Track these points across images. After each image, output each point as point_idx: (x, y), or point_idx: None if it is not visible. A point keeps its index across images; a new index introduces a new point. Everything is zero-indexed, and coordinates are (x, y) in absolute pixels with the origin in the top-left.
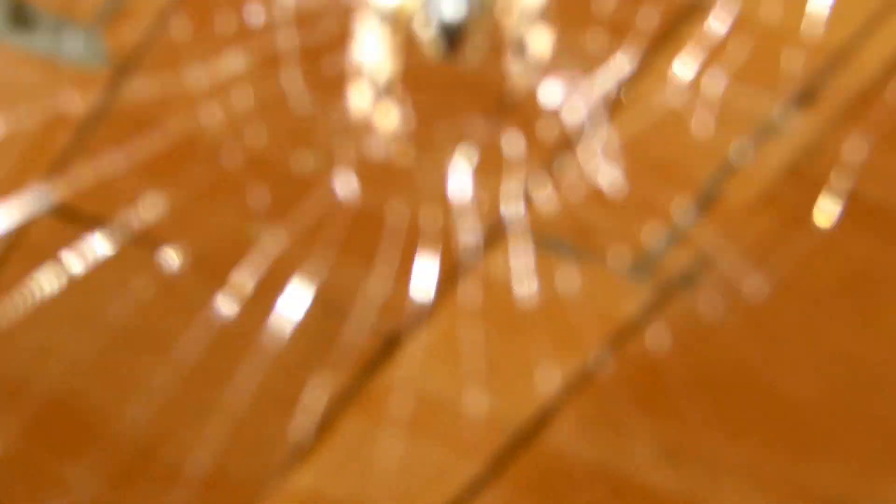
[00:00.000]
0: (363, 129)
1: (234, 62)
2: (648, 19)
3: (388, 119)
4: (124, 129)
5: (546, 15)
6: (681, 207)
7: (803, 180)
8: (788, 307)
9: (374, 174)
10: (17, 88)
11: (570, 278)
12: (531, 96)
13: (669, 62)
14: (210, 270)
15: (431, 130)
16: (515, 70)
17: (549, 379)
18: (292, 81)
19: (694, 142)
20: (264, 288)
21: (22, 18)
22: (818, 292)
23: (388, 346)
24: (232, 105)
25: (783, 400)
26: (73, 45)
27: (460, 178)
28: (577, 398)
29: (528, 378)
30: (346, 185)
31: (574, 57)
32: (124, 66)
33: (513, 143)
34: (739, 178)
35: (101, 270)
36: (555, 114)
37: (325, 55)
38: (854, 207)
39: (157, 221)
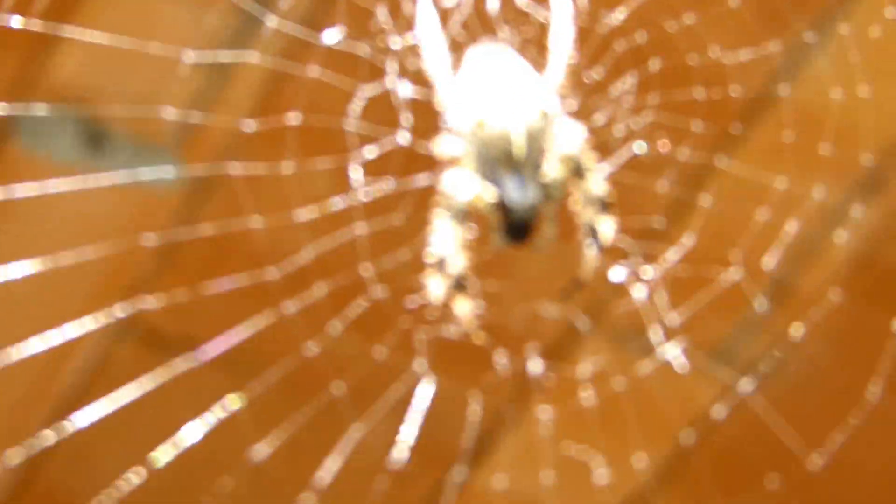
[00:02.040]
0: (440, 317)
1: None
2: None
3: (463, 308)
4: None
5: (610, 203)
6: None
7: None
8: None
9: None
10: (95, 216)
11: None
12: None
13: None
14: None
15: (506, 317)
16: (587, 254)
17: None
18: (367, 271)
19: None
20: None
21: (100, 143)
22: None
23: None
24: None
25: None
26: (149, 171)
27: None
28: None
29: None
30: (423, 372)
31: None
32: (199, 191)
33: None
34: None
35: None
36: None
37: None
38: None
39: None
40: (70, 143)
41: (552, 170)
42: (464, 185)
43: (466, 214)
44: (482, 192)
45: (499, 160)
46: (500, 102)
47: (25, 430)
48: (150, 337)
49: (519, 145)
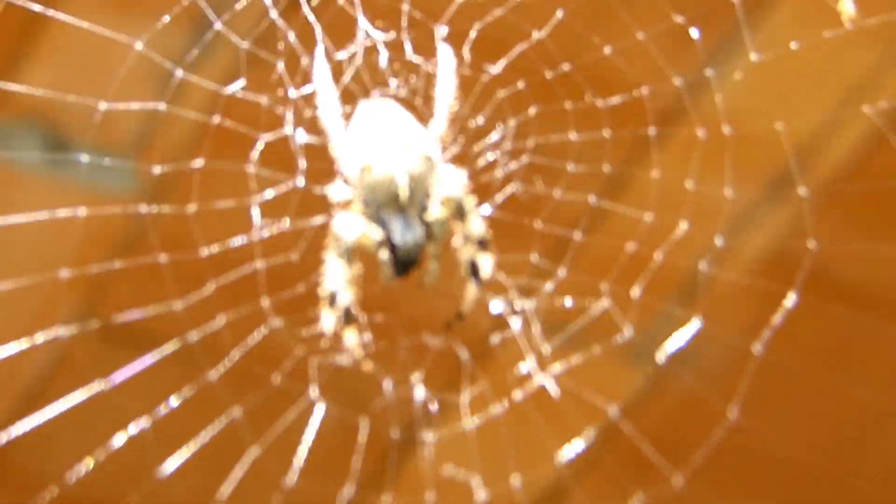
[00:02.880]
0: (332, 346)
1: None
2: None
3: (351, 339)
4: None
5: (488, 241)
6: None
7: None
8: (776, 375)
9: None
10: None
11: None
12: (480, 310)
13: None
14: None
15: (394, 348)
16: (468, 289)
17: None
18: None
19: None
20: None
21: (60, 149)
22: (802, 361)
23: None
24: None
25: (773, 459)
26: (108, 174)
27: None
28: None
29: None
30: (316, 397)
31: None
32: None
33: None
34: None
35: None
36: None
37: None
38: (830, 288)
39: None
40: (35, 151)
41: (435, 210)
42: (351, 225)
43: (354, 253)
44: (368, 232)
45: (385, 202)
46: (385, 149)
47: None
48: None
49: (403, 187)
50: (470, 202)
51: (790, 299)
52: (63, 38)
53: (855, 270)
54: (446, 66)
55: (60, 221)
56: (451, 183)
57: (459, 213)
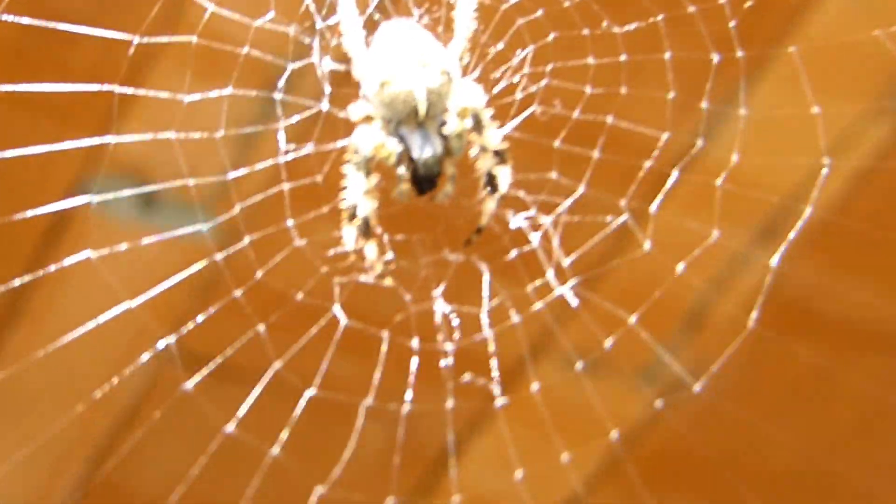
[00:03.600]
0: (354, 265)
1: None
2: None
3: (371, 251)
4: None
5: (507, 157)
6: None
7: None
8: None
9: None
10: (145, 261)
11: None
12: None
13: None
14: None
15: (415, 266)
16: (487, 201)
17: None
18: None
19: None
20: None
21: (150, 205)
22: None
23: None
24: None
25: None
26: (190, 221)
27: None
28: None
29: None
30: (339, 314)
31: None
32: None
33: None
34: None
35: None
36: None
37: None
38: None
39: None
40: (127, 205)
41: (453, 123)
42: (369, 138)
43: (372, 164)
44: (386, 144)
45: (404, 117)
46: (404, 64)
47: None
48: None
49: (421, 101)
50: (487, 114)
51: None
52: (153, 103)
53: (837, 307)
54: None
55: (150, 263)
56: (468, 96)
57: (477, 124)
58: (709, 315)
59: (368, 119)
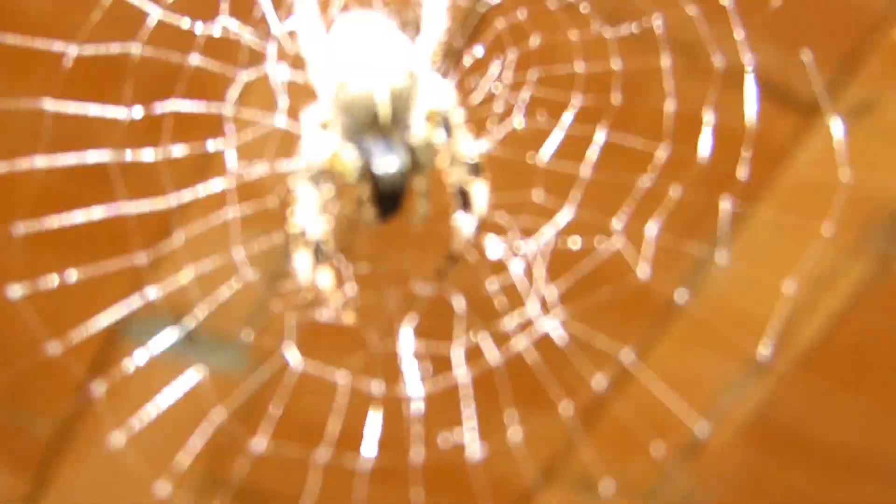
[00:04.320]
0: (312, 301)
1: None
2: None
3: (324, 279)
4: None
5: (483, 170)
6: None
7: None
8: None
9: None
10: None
11: None
12: (476, 250)
13: None
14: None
15: (379, 296)
16: (460, 223)
17: None
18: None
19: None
20: None
21: (192, 340)
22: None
23: None
24: None
25: None
26: (223, 358)
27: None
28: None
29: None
30: (293, 356)
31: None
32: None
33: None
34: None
35: None
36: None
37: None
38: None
39: None
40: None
41: (420, 129)
42: (323, 145)
43: (326, 177)
44: (342, 152)
45: (364, 124)
46: (363, 64)
47: None
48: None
49: (383, 105)
50: (458, 116)
51: None
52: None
53: (829, 431)
54: None
55: (187, 395)
56: (436, 95)
57: (446, 129)
58: (704, 444)
59: (324, 126)
